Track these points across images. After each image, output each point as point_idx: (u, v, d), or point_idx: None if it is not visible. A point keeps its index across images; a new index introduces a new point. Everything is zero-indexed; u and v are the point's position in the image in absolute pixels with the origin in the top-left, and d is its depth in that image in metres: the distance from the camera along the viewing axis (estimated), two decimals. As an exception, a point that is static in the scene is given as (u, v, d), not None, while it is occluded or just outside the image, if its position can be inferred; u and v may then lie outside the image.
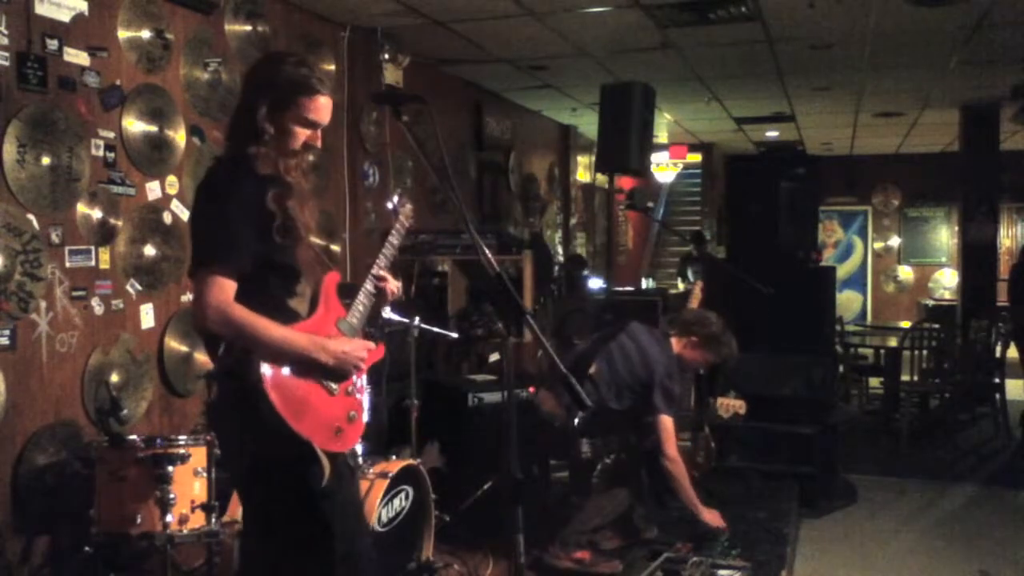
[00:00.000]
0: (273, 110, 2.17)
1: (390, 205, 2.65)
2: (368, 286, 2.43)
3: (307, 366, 2.14)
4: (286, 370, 2.12)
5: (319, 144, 2.28)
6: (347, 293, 2.40)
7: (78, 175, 3.60)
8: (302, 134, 2.22)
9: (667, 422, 3.84)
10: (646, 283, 11.32)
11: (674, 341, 4.08)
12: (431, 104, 2.40)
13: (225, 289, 2.08)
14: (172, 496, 3.09)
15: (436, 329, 4.36)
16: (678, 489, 3.90)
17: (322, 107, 2.23)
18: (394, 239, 2.52)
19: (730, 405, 4.40)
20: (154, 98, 4.00)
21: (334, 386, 2.22)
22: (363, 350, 2.24)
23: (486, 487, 4.22)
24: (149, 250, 3.98)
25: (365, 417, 2.36)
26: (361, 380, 2.35)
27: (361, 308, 2.39)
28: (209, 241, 2.12)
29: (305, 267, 2.24)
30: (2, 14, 3.30)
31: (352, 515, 2.34)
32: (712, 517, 3.98)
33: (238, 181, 2.15)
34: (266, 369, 2.07)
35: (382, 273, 2.44)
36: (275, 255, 2.16)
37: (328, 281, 2.33)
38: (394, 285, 2.47)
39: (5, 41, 3.31)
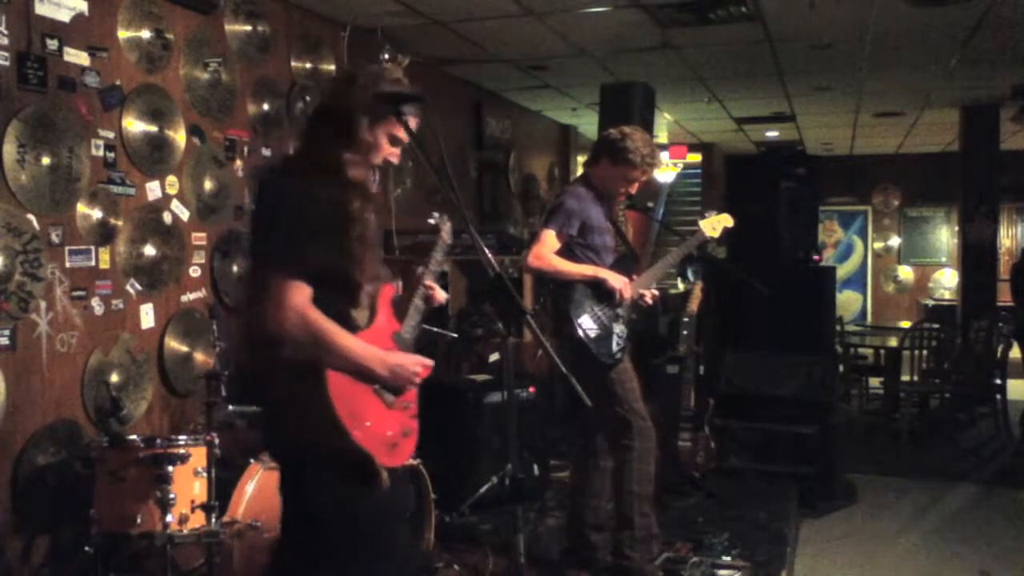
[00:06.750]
0: (371, 123, 2.23)
1: (432, 221, 2.70)
2: (418, 300, 2.45)
3: (363, 377, 2.15)
4: (346, 379, 2.12)
5: (396, 161, 2.34)
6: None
7: (78, 175, 3.60)
8: (386, 150, 2.29)
9: (545, 233, 3.75)
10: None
11: (591, 173, 3.91)
12: (431, 104, 2.41)
13: (304, 293, 2.08)
14: (172, 496, 3.10)
15: (436, 329, 4.36)
16: (564, 273, 3.73)
17: (411, 129, 2.31)
18: (438, 254, 2.60)
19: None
20: (154, 98, 4.00)
21: (391, 399, 2.23)
22: (418, 365, 2.24)
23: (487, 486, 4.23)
24: (149, 250, 3.98)
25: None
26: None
27: (413, 322, 2.41)
28: (292, 243, 2.10)
29: (368, 279, 2.25)
30: (2, 14, 3.30)
31: (402, 526, 2.39)
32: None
33: (324, 185, 2.16)
34: (330, 376, 2.08)
35: (431, 284, 2.50)
36: (346, 264, 2.16)
37: (384, 294, 2.33)
38: (441, 295, 2.53)
39: (5, 41, 3.31)
